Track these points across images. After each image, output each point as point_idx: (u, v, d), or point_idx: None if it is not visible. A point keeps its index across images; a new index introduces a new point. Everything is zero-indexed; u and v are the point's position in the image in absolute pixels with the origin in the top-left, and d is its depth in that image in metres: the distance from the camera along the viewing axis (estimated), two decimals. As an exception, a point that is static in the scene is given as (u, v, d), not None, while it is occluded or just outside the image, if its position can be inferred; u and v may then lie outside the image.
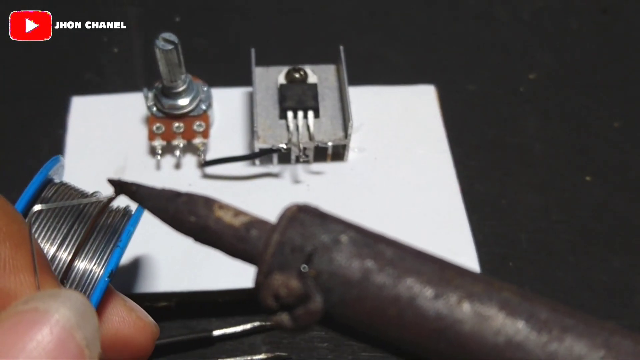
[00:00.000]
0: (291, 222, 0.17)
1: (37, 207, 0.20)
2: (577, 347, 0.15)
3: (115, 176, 0.35)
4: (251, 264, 0.17)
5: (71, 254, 0.24)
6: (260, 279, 0.16)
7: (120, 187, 0.18)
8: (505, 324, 0.15)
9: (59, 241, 0.24)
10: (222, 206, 0.18)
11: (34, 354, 0.16)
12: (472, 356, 0.15)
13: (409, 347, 0.16)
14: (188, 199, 0.18)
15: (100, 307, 0.24)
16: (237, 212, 0.17)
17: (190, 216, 0.17)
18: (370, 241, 0.17)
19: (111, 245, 0.25)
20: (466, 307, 0.15)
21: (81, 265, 0.24)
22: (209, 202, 0.18)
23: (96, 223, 0.25)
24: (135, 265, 0.32)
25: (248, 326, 0.33)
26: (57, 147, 0.38)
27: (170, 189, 0.18)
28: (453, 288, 0.15)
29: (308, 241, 0.16)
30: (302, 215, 0.17)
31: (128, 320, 0.24)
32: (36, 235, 0.24)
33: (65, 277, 0.23)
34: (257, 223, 0.17)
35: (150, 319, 0.26)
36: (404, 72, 0.46)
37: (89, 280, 0.24)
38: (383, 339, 0.16)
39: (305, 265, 0.16)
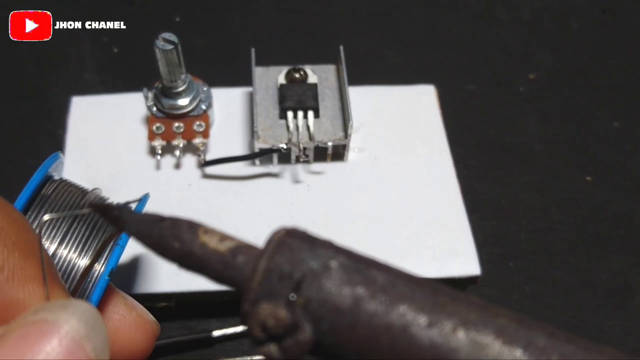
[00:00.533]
0: (279, 247, 0.16)
1: (47, 217, 0.19)
2: None
3: (118, 171, 0.35)
4: (237, 291, 0.17)
5: (78, 257, 0.24)
6: (247, 307, 0.16)
7: (103, 211, 0.18)
8: (502, 352, 0.15)
9: (58, 239, 0.24)
10: (207, 231, 0.17)
11: None
12: None
13: None
14: (172, 223, 0.17)
15: (100, 306, 0.24)
16: (223, 237, 0.17)
17: (174, 241, 0.17)
18: (360, 266, 0.16)
19: (111, 243, 0.25)
20: (461, 335, 0.15)
21: (81, 263, 0.24)
22: (193, 227, 0.17)
23: (96, 221, 0.25)
24: (135, 265, 0.32)
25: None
26: (57, 147, 0.38)
27: (153, 213, 0.18)
28: (447, 315, 0.15)
29: (296, 268, 0.16)
30: (290, 240, 0.16)
31: (128, 318, 0.24)
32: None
33: (78, 286, 0.23)
34: (243, 248, 0.17)
35: (151, 317, 0.26)
36: (403, 72, 0.46)
37: (89, 279, 0.24)
38: None
39: (293, 294, 0.15)
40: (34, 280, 0.18)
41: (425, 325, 0.15)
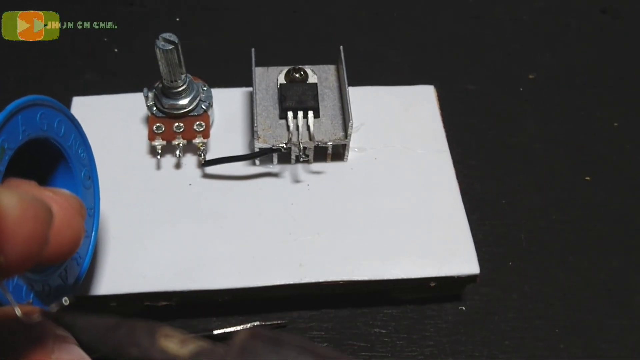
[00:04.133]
0: (243, 352, 0.16)
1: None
2: None
3: (124, 163, 0.34)
4: None
5: None
6: None
7: (57, 320, 0.17)
8: None
9: None
10: (168, 334, 0.16)
11: None
12: None
13: None
14: (129, 329, 0.16)
15: None
16: (184, 339, 0.16)
17: (131, 348, 0.16)
18: None
19: None
20: None
21: None
22: (152, 330, 0.16)
23: None
24: (135, 265, 0.32)
25: (248, 326, 0.34)
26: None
27: (110, 317, 0.17)
28: None
29: None
30: (254, 343, 0.16)
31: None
32: None
33: None
34: (206, 352, 0.16)
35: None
36: (403, 72, 0.46)
37: None
38: None
39: None
40: None
41: None
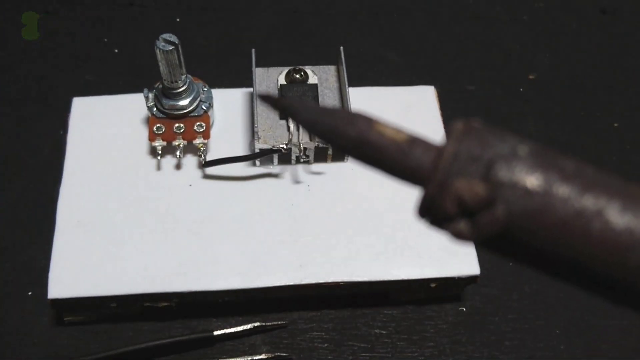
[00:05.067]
0: (464, 134, 0.16)
1: None
2: None
3: (127, 162, 0.35)
4: (414, 181, 0.16)
5: None
6: (433, 189, 0.15)
7: (274, 103, 0.17)
8: None
9: None
10: (382, 123, 0.17)
11: None
12: None
13: (591, 265, 0.15)
14: (347, 112, 0.17)
15: None
16: (398, 130, 0.17)
17: (350, 128, 0.16)
18: (549, 154, 0.15)
19: None
20: None
21: None
22: (368, 117, 0.17)
23: None
24: (135, 265, 0.32)
25: (248, 326, 0.34)
26: (57, 147, 0.38)
27: (324, 105, 0.18)
28: None
29: (486, 151, 0.15)
30: (474, 127, 0.16)
31: None
32: None
33: None
34: (420, 140, 0.16)
35: None
36: (403, 73, 0.46)
37: None
38: (563, 255, 0.15)
39: (487, 172, 0.15)
40: None
41: (620, 210, 0.15)
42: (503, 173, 0.15)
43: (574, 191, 0.15)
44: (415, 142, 0.16)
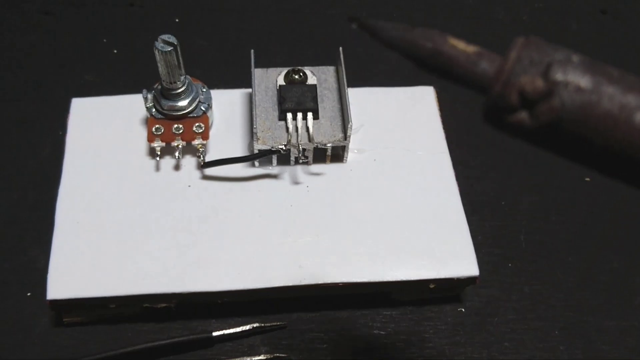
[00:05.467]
0: (524, 45, 0.18)
1: None
2: None
3: (125, 164, 0.34)
4: (481, 86, 0.19)
5: None
6: (500, 87, 0.18)
7: (360, 25, 0.20)
8: None
9: None
10: (454, 37, 0.19)
11: None
12: None
13: (632, 153, 0.17)
14: (425, 29, 0.20)
15: None
16: (468, 43, 0.19)
17: (427, 42, 0.19)
18: (597, 63, 0.18)
19: None
20: None
21: None
22: (443, 32, 0.19)
23: None
24: (134, 266, 0.32)
25: (247, 327, 0.34)
26: (57, 147, 0.38)
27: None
28: None
29: (544, 57, 0.18)
30: (534, 40, 0.19)
31: None
32: None
33: None
34: (487, 52, 0.19)
35: None
36: (402, 74, 0.46)
37: None
38: (609, 144, 0.17)
39: (545, 73, 0.18)
40: None
41: None
42: (559, 74, 0.18)
43: (619, 90, 0.17)
44: (482, 53, 0.19)
